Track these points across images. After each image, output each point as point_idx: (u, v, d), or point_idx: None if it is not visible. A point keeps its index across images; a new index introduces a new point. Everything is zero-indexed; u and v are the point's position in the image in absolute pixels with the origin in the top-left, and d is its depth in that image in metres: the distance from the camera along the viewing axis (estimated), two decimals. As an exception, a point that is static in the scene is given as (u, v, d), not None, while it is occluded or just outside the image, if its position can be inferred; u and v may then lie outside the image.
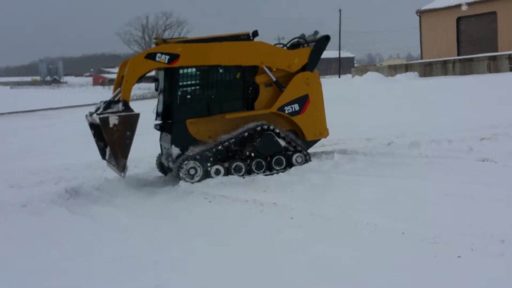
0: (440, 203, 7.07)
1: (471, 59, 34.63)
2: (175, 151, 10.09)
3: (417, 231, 6.07)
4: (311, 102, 10.62)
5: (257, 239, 6.45)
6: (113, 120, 8.89)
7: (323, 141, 11.47)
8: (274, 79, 10.50)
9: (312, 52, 10.72)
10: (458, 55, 39.45)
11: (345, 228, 6.51)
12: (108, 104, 9.33)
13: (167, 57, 9.68)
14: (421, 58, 43.04)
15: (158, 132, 11.01)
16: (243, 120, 10.26)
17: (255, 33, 10.47)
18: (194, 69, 10.20)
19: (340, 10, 66.87)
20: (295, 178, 9.42)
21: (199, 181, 9.78)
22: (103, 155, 10.48)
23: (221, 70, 10.28)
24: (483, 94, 18.31)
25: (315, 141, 10.99)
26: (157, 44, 10.09)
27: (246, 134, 10.07)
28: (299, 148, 10.41)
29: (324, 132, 10.88)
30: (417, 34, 44.08)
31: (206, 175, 9.91)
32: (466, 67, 34.68)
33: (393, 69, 39.84)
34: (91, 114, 9.89)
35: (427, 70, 37.07)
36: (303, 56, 10.66)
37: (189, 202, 8.60)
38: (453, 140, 11.00)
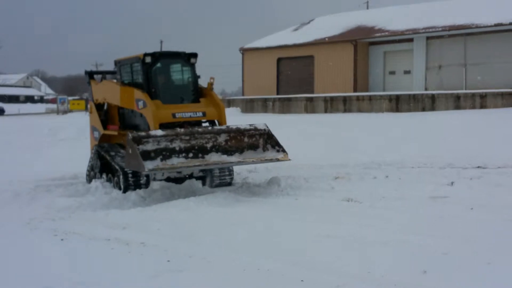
0: (326, 245, 6.67)
1: (289, 99, 36.26)
2: None
3: (316, 278, 5.56)
4: None
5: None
6: None
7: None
8: None
9: None
10: (277, 94, 41.11)
11: (233, 274, 5.78)
12: None
13: None
14: (243, 95, 44.10)
15: None
16: None
17: None
18: None
19: (161, 41, 67.20)
20: (155, 213, 8.45)
21: None
22: None
23: None
24: (317, 133, 18.74)
25: None
26: None
27: None
28: None
29: None
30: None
31: None
32: (285, 106, 36.19)
33: (216, 103, 40.09)
34: None
35: (248, 106, 37.96)
36: None
37: (36, 240, 7.17)
38: (309, 178, 10.86)
